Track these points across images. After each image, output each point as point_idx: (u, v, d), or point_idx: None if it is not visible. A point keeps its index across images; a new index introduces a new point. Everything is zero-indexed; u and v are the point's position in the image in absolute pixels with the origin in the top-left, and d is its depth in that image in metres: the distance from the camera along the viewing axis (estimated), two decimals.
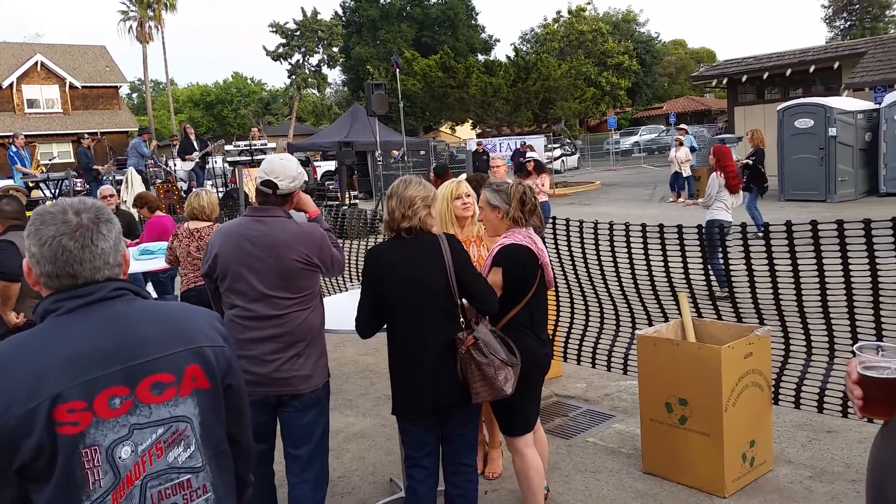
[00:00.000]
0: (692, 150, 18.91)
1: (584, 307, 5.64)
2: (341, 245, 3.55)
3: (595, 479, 4.14)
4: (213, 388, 1.68)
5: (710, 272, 5.11)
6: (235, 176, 14.73)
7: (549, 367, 3.51)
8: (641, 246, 4.99)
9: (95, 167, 14.55)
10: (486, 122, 31.25)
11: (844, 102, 16.36)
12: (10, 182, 13.46)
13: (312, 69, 44.75)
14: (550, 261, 3.61)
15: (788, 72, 20.81)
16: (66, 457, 1.46)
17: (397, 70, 20.30)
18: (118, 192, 11.45)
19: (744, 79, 21.97)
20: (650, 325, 5.04)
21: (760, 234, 4.58)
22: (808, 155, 15.71)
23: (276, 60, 43.80)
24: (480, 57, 43.19)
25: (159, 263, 6.12)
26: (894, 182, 15.62)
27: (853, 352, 1.51)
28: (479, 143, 23.68)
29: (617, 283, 5.31)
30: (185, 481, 1.61)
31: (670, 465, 4.04)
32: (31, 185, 13.08)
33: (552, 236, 5.52)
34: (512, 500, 3.97)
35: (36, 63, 38.87)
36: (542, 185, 9.84)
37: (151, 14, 45.42)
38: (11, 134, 14.87)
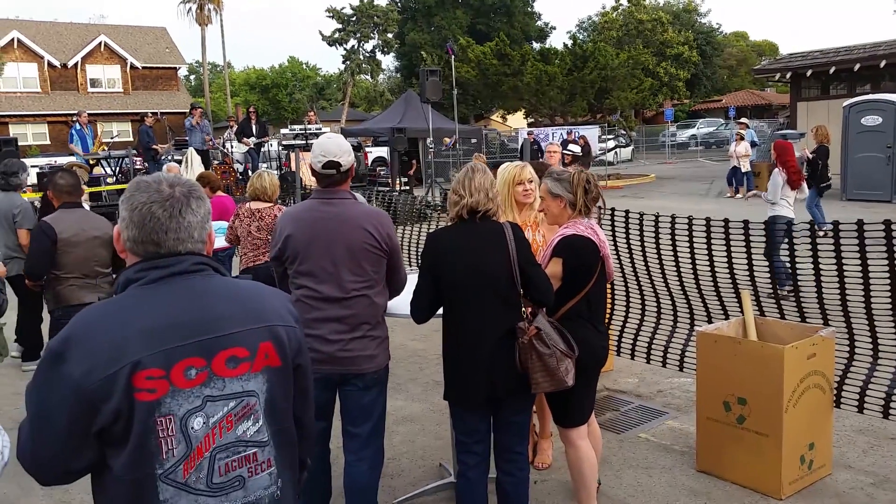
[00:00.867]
0: (752, 144, 18.45)
1: (640, 301, 5.56)
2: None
3: (647, 475, 4.09)
4: (284, 366, 1.71)
5: (782, 269, 4.99)
6: (290, 159, 14.91)
7: (607, 360, 3.47)
8: (704, 240, 4.89)
9: (155, 146, 14.88)
10: (540, 111, 30.97)
11: None
12: (72, 159, 13.89)
13: (367, 55, 44.92)
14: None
15: (857, 66, 20.08)
16: (142, 423, 1.51)
17: (452, 57, 20.22)
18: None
19: (808, 73, 21.30)
20: (710, 322, 4.95)
21: (828, 234, 4.45)
22: (874, 154, 15.17)
23: (331, 46, 44.06)
24: (536, 45, 42.77)
25: (219, 242, 6.25)
26: None
27: None
28: (529, 133, 23.50)
29: (676, 278, 5.21)
30: (251, 454, 1.64)
31: (725, 464, 3.97)
32: (92, 162, 13.45)
33: (610, 227, 5.45)
34: (562, 490, 3.95)
35: (100, 44, 39.97)
36: None
37: None
38: (76, 112, 15.31)
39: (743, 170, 17.33)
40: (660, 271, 5.30)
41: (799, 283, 4.71)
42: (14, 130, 34.72)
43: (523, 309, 3.10)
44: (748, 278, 4.77)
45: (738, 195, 17.22)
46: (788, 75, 22.13)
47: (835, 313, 4.45)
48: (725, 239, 4.78)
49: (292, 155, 14.31)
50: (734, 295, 4.70)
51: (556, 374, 3.01)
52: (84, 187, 6.15)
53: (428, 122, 16.53)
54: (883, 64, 19.70)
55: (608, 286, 3.68)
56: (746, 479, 3.87)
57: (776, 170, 7.72)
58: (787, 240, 4.99)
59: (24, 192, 7.51)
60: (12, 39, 36.53)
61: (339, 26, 43.40)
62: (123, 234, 1.64)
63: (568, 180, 3.37)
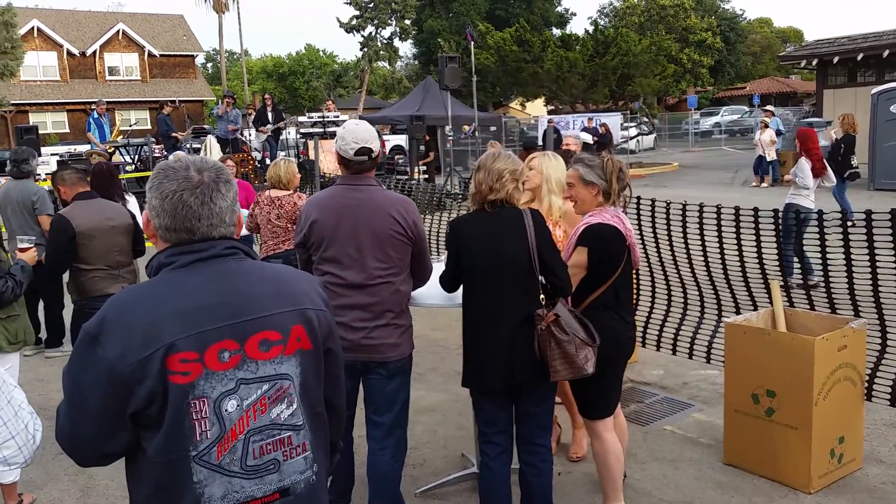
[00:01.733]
0: (778, 133, 18.19)
1: (666, 291, 5.48)
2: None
3: (674, 467, 4.03)
4: (315, 349, 1.70)
5: (793, 260, 4.89)
6: (308, 147, 14.91)
7: (633, 351, 3.41)
8: (733, 230, 4.79)
9: (174, 134, 14.93)
10: (560, 99, 30.70)
11: None
12: (90, 147, 13.97)
13: (384, 42, 44.78)
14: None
15: (886, 53, 19.68)
16: (176, 406, 1.51)
17: (471, 43, 20.06)
18: None
19: (835, 60, 20.92)
20: (738, 312, 4.86)
21: (857, 223, 4.34)
22: None
23: (349, 32, 43.93)
24: (556, 31, 42.39)
25: (240, 229, 6.24)
26: None
27: None
28: (549, 121, 23.30)
29: (704, 268, 5.13)
30: (285, 438, 1.64)
31: (753, 457, 3.91)
32: (110, 150, 13.52)
33: (635, 216, 5.36)
34: (587, 483, 3.90)
35: (118, 32, 40.18)
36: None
37: None
38: (95, 100, 15.38)
39: (768, 158, 17.10)
40: (686, 261, 5.22)
41: (829, 273, 4.61)
42: (34, 119, 35.06)
43: (541, 296, 3.05)
44: (777, 268, 4.67)
45: (764, 184, 16.99)
46: (815, 62, 21.76)
47: (866, 305, 4.35)
48: (755, 228, 4.69)
49: (310, 143, 14.32)
50: (763, 285, 4.61)
51: (576, 362, 2.96)
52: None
53: (447, 110, 16.45)
54: None
55: (633, 276, 3.62)
56: (775, 473, 3.81)
57: (802, 158, 7.60)
58: (807, 230, 4.88)
59: (45, 179, 7.56)
60: (32, 28, 36.82)
61: (357, 13, 43.25)
62: (155, 222, 1.63)
63: (601, 167, 3.30)
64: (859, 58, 20.38)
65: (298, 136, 16.99)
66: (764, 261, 4.74)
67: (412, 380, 3.32)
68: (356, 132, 3.09)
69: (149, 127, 33.07)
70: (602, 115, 23.96)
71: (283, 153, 16.17)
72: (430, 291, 3.31)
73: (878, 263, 4.19)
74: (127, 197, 6.09)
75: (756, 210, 4.68)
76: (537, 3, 46.33)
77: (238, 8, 47.48)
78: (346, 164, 3.11)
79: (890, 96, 15.25)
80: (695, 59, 37.52)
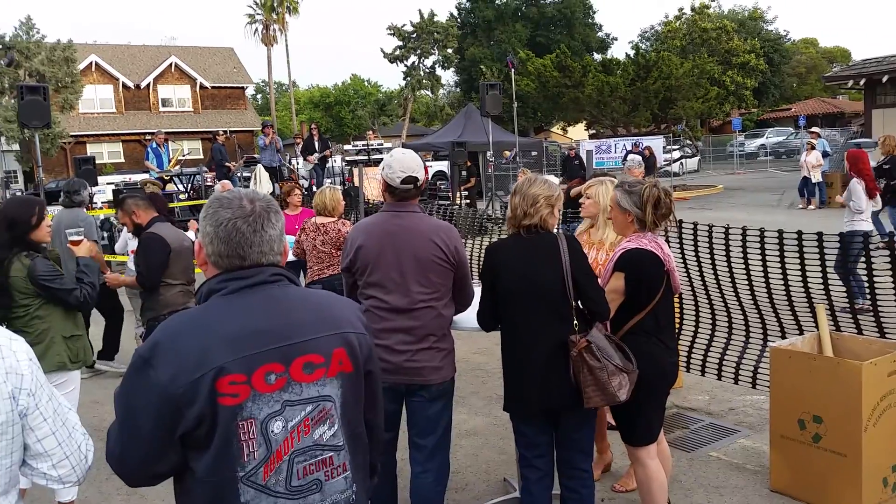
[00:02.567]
0: (824, 154, 17.84)
1: (710, 316, 5.42)
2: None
3: (718, 494, 3.97)
4: (356, 372, 1.75)
5: (848, 283, 4.80)
6: (353, 175, 15.15)
7: (677, 377, 3.39)
8: (777, 253, 4.74)
9: (227, 164, 15.33)
10: (601, 123, 30.65)
11: None
12: (145, 176, 14.42)
13: (427, 70, 45.41)
14: (675, 265, 3.49)
15: None
16: (225, 427, 1.56)
17: (512, 70, 20.22)
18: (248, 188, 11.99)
19: (884, 79, 20.46)
20: (783, 337, 4.79)
21: None
22: None
23: (392, 63, 44.74)
24: (597, 56, 42.40)
25: (287, 256, 6.39)
26: None
27: None
28: (571, 148, 23.18)
29: (748, 292, 5.07)
30: (327, 458, 1.68)
31: (801, 484, 3.83)
32: (165, 179, 13.93)
33: (678, 239, 5.34)
34: None
35: (170, 64, 41.53)
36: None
37: (276, 17, 47.45)
38: (151, 131, 15.89)
39: (814, 180, 16.77)
40: (731, 285, 5.17)
41: (878, 297, 4.52)
42: (91, 149, 36.33)
43: (574, 322, 3.07)
44: (823, 292, 4.60)
45: (811, 206, 16.65)
46: (862, 82, 21.31)
47: None
48: (799, 251, 4.63)
49: (355, 170, 14.57)
50: (808, 309, 4.54)
51: (608, 389, 2.95)
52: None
53: (488, 136, 16.56)
54: None
55: (675, 300, 3.61)
56: (823, 500, 3.73)
57: (854, 179, 7.46)
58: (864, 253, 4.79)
59: (100, 208, 7.85)
60: (91, 63, 38.31)
61: (400, 43, 44.03)
62: (207, 249, 1.71)
63: (638, 194, 3.29)
64: None
65: (344, 163, 17.30)
66: (809, 284, 4.67)
67: (454, 403, 3.36)
68: (403, 161, 3.16)
69: (201, 157, 34.00)
70: (645, 138, 23.81)
71: (328, 181, 16.45)
72: (472, 315, 3.35)
73: None
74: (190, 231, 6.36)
75: (800, 233, 4.63)
76: (578, 30, 46.49)
77: (286, 41, 48.83)
78: (392, 191, 3.18)
79: None
80: (738, 81, 37.03)
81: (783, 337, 4.79)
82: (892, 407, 3.65)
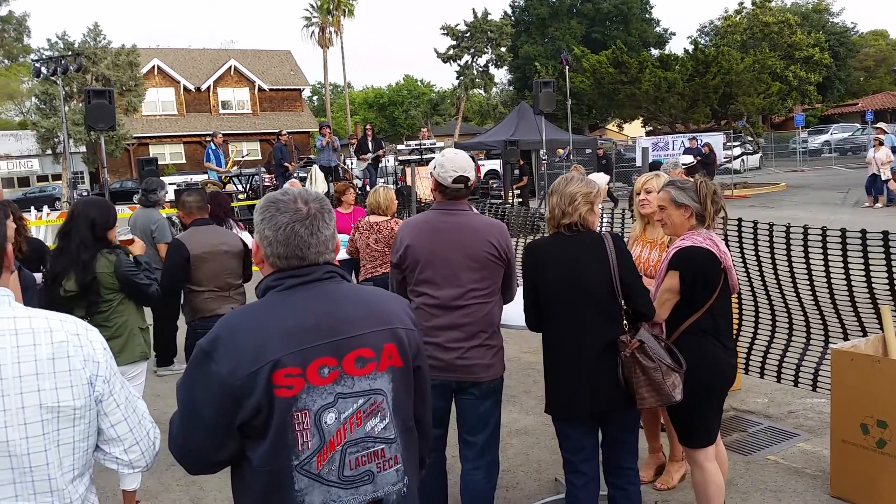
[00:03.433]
0: (893, 150, 17.16)
1: (770, 316, 5.28)
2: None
3: (776, 498, 3.87)
4: (405, 367, 1.79)
5: None
6: (406, 174, 15.26)
7: (735, 378, 3.31)
8: (840, 253, 4.59)
9: (286, 164, 15.62)
10: (659, 119, 30.12)
11: None
12: (205, 176, 14.80)
13: (480, 69, 45.37)
14: (734, 264, 3.41)
15: None
16: (281, 418, 1.62)
17: (566, 67, 20.05)
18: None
19: None
20: (846, 339, 4.63)
21: None
22: None
23: (445, 62, 44.84)
24: (654, 51, 41.70)
25: (341, 254, 6.48)
26: None
27: None
28: (599, 147, 22.71)
29: (809, 293, 4.92)
30: (379, 450, 1.73)
31: (863, 490, 3.70)
32: (224, 179, 14.27)
33: (737, 238, 5.22)
34: None
35: (230, 68, 42.56)
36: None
37: (331, 20, 48.13)
38: (211, 133, 16.31)
39: (883, 177, 16.15)
40: (791, 285, 5.02)
41: None
42: (153, 151, 37.56)
43: (624, 322, 3.02)
44: (888, 293, 4.43)
45: (878, 204, 16.05)
46: None
47: None
48: (863, 251, 4.47)
49: (408, 170, 14.67)
50: (872, 311, 4.38)
51: (663, 389, 2.91)
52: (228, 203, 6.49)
53: (541, 134, 16.46)
54: None
55: (733, 301, 3.52)
56: None
57: None
58: None
59: (163, 208, 8.08)
60: (153, 67, 39.54)
61: (454, 43, 44.10)
62: (266, 250, 1.77)
63: (694, 189, 3.23)
64: None
65: (396, 163, 17.44)
66: (874, 285, 4.51)
67: (505, 401, 3.36)
68: (455, 161, 3.17)
69: (259, 158, 34.76)
70: (704, 134, 23.26)
71: (381, 180, 16.61)
72: (522, 313, 3.34)
73: None
74: (236, 228, 6.40)
75: (864, 231, 4.47)
76: (635, 25, 45.87)
77: (342, 43, 49.51)
78: (443, 190, 3.19)
79: None
80: (801, 76, 35.91)
81: (845, 339, 4.64)
82: None
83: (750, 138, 31.09)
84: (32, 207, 15.85)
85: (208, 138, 15.21)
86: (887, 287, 4.45)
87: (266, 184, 14.55)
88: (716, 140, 22.00)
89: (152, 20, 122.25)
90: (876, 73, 47.13)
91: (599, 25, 45.89)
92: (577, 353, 3.00)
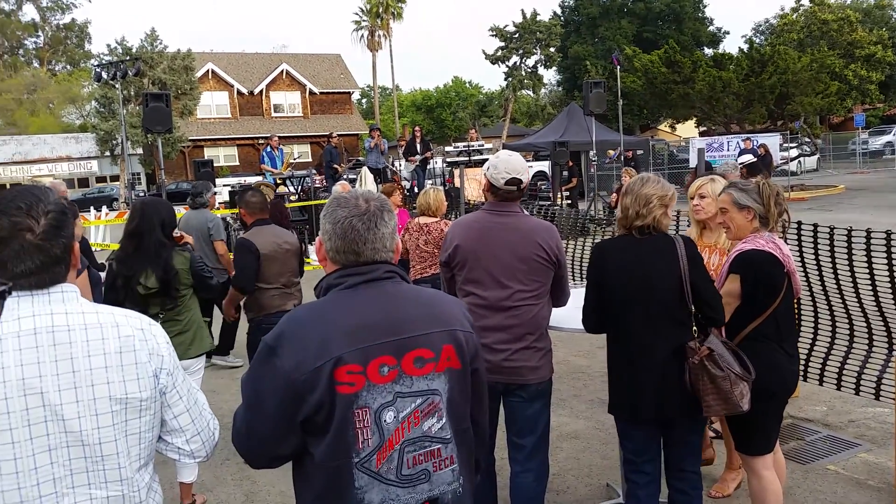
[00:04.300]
0: None
1: (830, 322, 5.12)
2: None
3: None
4: (463, 368, 1.80)
5: None
6: (454, 176, 15.28)
7: (797, 385, 3.21)
8: None
9: (336, 166, 15.81)
10: (713, 119, 29.51)
11: None
12: (259, 178, 15.07)
13: (529, 70, 45.17)
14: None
15: None
16: (342, 414, 1.65)
17: (618, 67, 19.83)
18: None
19: None
20: None
21: None
22: None
23: (494, 64, 44.75)
24: (708, 51, 40.90)
25: (399, 253, 6.51)
26: None
27: None
28: (629, 150, 22.15)
29: (872, 298, 4.75)
30: (435, 450, 1.74)
31: None
32: (278, 181, 14.52)
33: (796, 242, 5.08)
34: None
35: (282, 72, 43.26)
36: None
37: (381, 23, 48.52)
38: (265, 136, 16.59)
39: None
40: (853, 290, 4.86)
41: None
42: (208, 153, 38.40)
43: (693, 328, 2.97)
44: None
45: None
46: None
47: None
48: None
49: (456, 171, 14.69)
50: None
51: (731, 398, 2.85)
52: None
53: (591, 135, 16.32)
54: None
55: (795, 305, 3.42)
56: None
57: None
58: None
59: (217, 208, 8.27)
60: (207, 71, 40.44)
61: (502, 44, 43.98)
62: (326, 245, 1.81)
63: (756, 191, 3.16)
64: None
65: (445, 164, 17.49)
66: None
67: (555, 405, 3.33)
68: (509, 162, 3.17)
69: (310, 160, 35.25)
70: (760, 135, 22.70)
71: (430, 182, 16.67)
72: (573, 315, 3.31)
73: None
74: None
75: None
76: (688, 24, 45.09)
77: (390, 46, 49.87)
78: (495, 191, 3.18)
79: None
80: (862, 74, 34.73)
81: None
82: None
83: (807, 139, 30.26)
84: (92, 207, 16.39)
85: (262, 141, 15.51)
86: None
87: (317, 185, 14.74)
88: (772, 141, 21.47)
89: (206, 24, 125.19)
90: None
91: (651, 25, 45.24)
92: (644, 356, 2.96)
